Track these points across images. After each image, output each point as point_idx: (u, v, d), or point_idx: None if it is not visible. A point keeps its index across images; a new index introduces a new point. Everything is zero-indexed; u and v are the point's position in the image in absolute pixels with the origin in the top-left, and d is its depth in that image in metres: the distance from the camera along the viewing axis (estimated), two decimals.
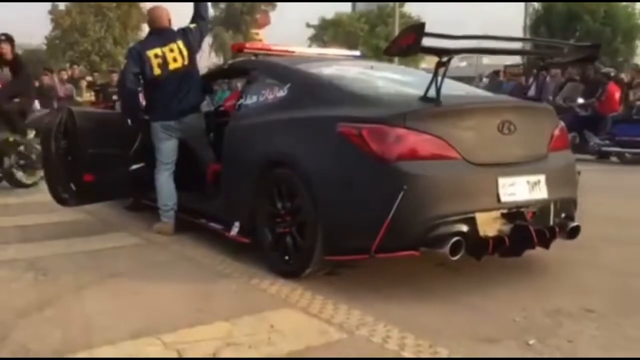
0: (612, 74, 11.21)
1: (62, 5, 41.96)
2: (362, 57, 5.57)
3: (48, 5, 41.53)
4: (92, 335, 2.78)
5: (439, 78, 3.26)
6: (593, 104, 11.16)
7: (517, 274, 3.70)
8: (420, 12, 48.36)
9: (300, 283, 3.51)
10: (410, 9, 45.56)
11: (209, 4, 5.03)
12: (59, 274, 3.73)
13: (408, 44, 3.08)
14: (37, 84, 11.48)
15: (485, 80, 17.19)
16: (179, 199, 4.75)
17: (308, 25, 46.79)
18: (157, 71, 4.57)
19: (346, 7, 48.51)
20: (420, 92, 3.39)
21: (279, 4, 55.08)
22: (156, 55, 4.56)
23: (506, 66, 17.43)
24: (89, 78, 13.50)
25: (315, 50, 5.11)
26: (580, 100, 11.30)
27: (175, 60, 4.57)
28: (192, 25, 4.77)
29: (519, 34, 25.12)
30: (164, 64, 4.56)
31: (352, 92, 3.61)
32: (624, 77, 14.09)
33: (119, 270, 3.82)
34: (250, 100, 4.19)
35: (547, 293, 3.40)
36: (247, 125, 4.08)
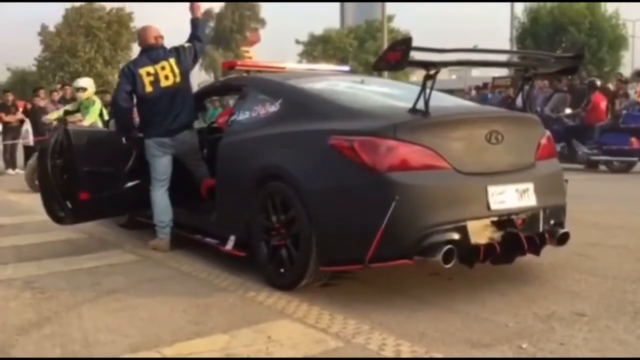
0: (599, 84, 11.37)
1: (51, 27, 42.14)
2: (352, 72, 5.66)
3: (37, 26, 41.65)
4: (92, 351, 2.82)
5: (427, 90, 3.34)
6: (580, 114, 11.31)
7: (509, 281, 3.76)
8: (408, 27, 48.89)
9: (296, 294, 3.56)
10: (398, 24, 46.12)
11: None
12: (57, 292, 3.76)
13: (395, 58, 3.17)
14: (29, 105, 11.52)
15: (473, 92, 17.39)
16: (174, 215, 4.79)
17: (297, 42, 47.23)
18: (148, 88, 4.64)
19: (335, 23, 48.93)
20: (409, 105, 3.48)
21: (268, 22, 55.62)
22: (148, 73, 4.63)
23: (494, 78, 17.65)
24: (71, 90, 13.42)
25: (306, 66, 5.19)
26: (568, 111, 11.46)
27: (167, 78, 4.64)
28: (187, 45, 4.85)
29: (506, 45, 25.46)
30: (156, 81, 4.64)
31: (342, 106, 3.69)
32: (611, 86, 14.31)
33: (116, 287, 3.85)
34: (243, 116, 4.25)
35: (539, 299, 3.46)
36: (240, 140, 4.14)
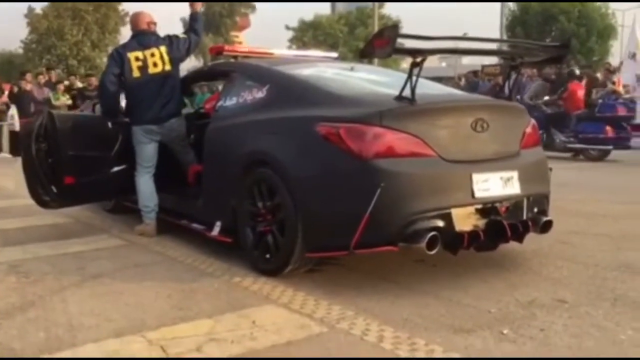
0: (577, 73, 11.44)
1: (38, 9, 41.59)
2: (340, 59, 5.65)
3: (24, 9, 41.07)
4: (76, 335, 2.82)
5: (414, 78, 3.35)
6: (557, 102, 11.37)
7: (492, 268, 3.80)
8: (399, 14, 48.79)
9: (281, 280, 3.58)
10: (389, 10, 45.97)
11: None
12: (42, 276, 3.75)
13: (382, 46, 3.17)
14: (15, 88, 11.40)
15: (463, 80, 17.38)
16: (160, 201, 4.79)
17: (287, 28, 46.92)
18: (136, 74, 4.60)
19: (325, 9, 48.67)
20: (397, 92, 3.48)
21: (258, 6, 55.19)
22: (137, 58, 4.60)
23: (483, 66, 17.67)
24: (67, 82, 13.40)
25: (294, 52, 5.17)
26: (546, 98, 11.53)
27: (155, 65, 4.61)
28: (182, 36, 4.82)
29: (496, 34, 25.46)
30: (144, 67, 4.60)
31: (329, 93, 3.69)
32: (599, 75, 14.39)
33: (102, 271, 3.85)
34: (230, 101, 4.24)
35: (521, 285, 3.50)
36: (227, 126, 4.14)
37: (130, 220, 5.18)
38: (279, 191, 3.58)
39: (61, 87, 12.25)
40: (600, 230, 4.89)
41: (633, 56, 10.61)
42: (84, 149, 4.48)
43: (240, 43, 57.24)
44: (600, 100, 10.75)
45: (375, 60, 14.14)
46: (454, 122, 3.49)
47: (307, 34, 46.33)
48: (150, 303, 3.27)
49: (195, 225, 4.40)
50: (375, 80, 4.24)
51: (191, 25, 4.98)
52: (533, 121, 4.00)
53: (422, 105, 3.40)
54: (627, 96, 11.09)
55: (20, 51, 43.58)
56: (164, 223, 4.81)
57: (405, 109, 3.37)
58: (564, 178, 4.71)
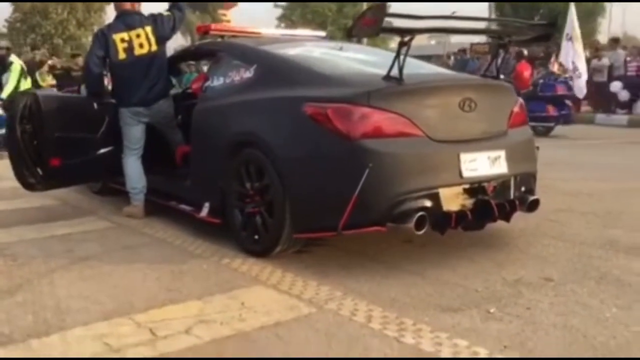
0: (525, 53, 11.59)
1: None
2: (328, 37, 5.60)
3: None
4: (65, 318, 2.81)
5: (402, 57, 3.33)
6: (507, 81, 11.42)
7: (480, 247, 3.83)
8: None
9: (270, 261, 3.59)
10: None
11: None
12: (29, 259, 3.73)
13: (369, 25, 3.14)
14: None
15: (452, 58, 17.38)
16: (148, 182, 4.76)
17: (276, 5, 46.36)
18: (121, 55, 4.54)
19: None
20: (384, 71, 3.46)
21: None
22: (122, 40, 4.53)
23: (472, 44, 17.63)
24: (50, 62, 13.20)
25: (282, 32, 5.12)
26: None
27: (141, 46, 4.55)
28: (166, 14, 4.72)
29: (485, 13, 25.35)
30: (130, 48, 4.54)
31: (317, 72, 3.66)
32: (587, 53, 14.41)
33: (90, 254, 3.83)
34: (217, 82, 4.20)
35: (508, 264, 3.54)
36: (214, 106, 4.10)
37: (118, 202, 5.15)
38: (266, 172, 3.57)
39: (45, 67, 12.07)
40: (586, 208, 4.92)
41: (570, 39, 10.97)
42: (70, 131, 4.43)
43: (228, 21, 56.54)
44: (541, 81, 10.97)
45: (365, 40, 14.06)
46: (442, 101, 3.48)
47: (296, 12, 45.84)
48: (139, 285, 3.27)
49: (183, 207, 4.39)
50: (363, 59, 4.22)
51: (174, 1, 4.89)
52: (520, 100, 4.00)
53: (410, 85, 3.38)
54: (565, 76, 11.37)
55: (5, 30, 42.93)
56: (152, 204, 4.79)
57: (393, 88, 3.36)
58: (548, 157, 4.71)
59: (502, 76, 4.03)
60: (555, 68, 11.92)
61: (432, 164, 3.36)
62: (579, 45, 11.27)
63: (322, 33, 5.41)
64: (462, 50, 17.39)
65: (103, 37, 4.57)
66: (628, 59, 13.72)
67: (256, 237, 3.69)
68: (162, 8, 4.83)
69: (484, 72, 4.13)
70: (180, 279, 3.36)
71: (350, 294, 3.07)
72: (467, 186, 3.45)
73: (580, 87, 11.30)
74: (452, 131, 3.47)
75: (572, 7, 11.44)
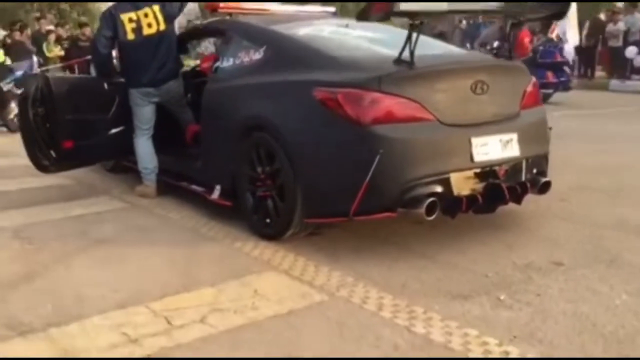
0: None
1: None
2: (337, 13, 5.52)
3: None
4: (83, 306, 2.87)
5: (413, 40, 3.29)
6: (504, 48, 11.25)
7: (490, 228, 3.84)
8: None
9: (282, 245, 3.62)
10: None
11: None
12: (45, 242, 3.80)
13: (381, 9, 3.10)
14: (8, 40, 11.19)
15: (464, 22, 17.07)
16: (159, 162, 4.79)
17: None
18: (130, 36, 4.51)
19: None
20: (395, 52, 3.43)
21: None
22: (130, 20, 4.50)
23: None
24: (51, 27, 13.00)
25: (291, 8, 5.05)
26: (495, 44, 11.45)
27: (149, 25, 4.51)
28: None
29: None
30: (138, 28, 4.51)
31: (327, 55, 3.63)
32: (602, 16, 14.12)
33: (104, 236, 3.89)
34: (227, 63, 4.18)
35: (518, 247, 3.55)
36: (225, 88, 4.09)
37: (130, 180, 5.20)
38: (277, 156, 3.58)
39: (52, 37, 11.99)
40: (596, 185, 4.90)
41: None
42: (81, 112, 4.45)
43: None
44: (541, 48, 10.84)
45: None
46: (454, 85, 3.45)
47: None
48: (153, 270, 3.33)
49: (195, 187, 4.42)
50: (373, 38, 4.15)
51: None
52: (534, 79, 3.96)
53: (421, 69, 3.35)
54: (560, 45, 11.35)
55: None
56: (164, 183, 4.82)
57: (404, 73, 3.33)
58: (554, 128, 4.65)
59: (496, 44, 3.96)
60: (554, 35, 11.82)
61: (443, 149, 3.35)
62: (569, 19, 11.30)
63: (332, 9, 5.32)
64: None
65: (111, 18, 4.54)
66: None
67: (268, 220, 3.71)
68: None
69: (497, 52, 4.06)
70: (193, 263, 3.41)
71: (361, 280, 3.11)
72: (478, 170, 3.44)
73: (567, 52, 11.35)
74: (464, 115, 3.44)
75: None
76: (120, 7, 4.61)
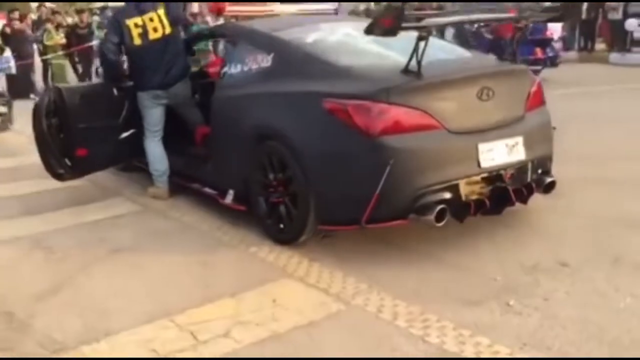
0: None
1: None
2: (337, 12, 5.54)
3: None
4: (110, 320, 3.00)
5: (420, 52, 3.35)
6: (494, 27, 11.24)
7: (496, 225, 3.92)
8: None
9: (296, 249, 3.74)
10: None
11: None
12: (66, 252, 3.91)
13: (389, 24, 3.16)
14: (7, 30, 11.18)
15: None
16: (171, 164, 4.88)
17: None
18: (137, 41, 4.57)
19: None
20: (402, 58, 3.50)
21: None
22: (136, 25, 4.55)
23: None
24: (47, 11, 12.94)
25: (295, 7, 5.07)
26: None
27: (155, 30, 4.57)
28: None
29: None
30: (144, 33, 4.56)
31: (335, 65, 3.69)
32: None
33: (123, 244, 4.01)
34: (235, 69, 4.24)
35: (525, 246, 3.67)
36: (234, 96, 4.16)
37: (142, 179, 5.29)
38: (289, 164, 3.67)
39: (51, 25, 11.94)
40: (599, 174, 4.97)
41: None
42: (93, 120, 4.54)
43: None
44: (530, 25, 10.84)
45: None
46: (460, 93, 3.52)
47: None
48: (173, 279, 3.45)
49: (207, 190, 4.52)
50: (380, 42, 4.17)
51: None
52: (538, 79, 4.03)
53: (428, 79, 3.42)
54: None
55: None
56: (176, 184, 4.92)
57: (412, 83, 3.41)
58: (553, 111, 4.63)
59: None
60: None
61: (452, 157, 3.44)
62: None
63: (334, 5, 5.35)
64: None
65: (117, 24, 4.59)
66: None
67: (281, 226, 3.82)
68: None
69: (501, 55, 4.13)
70: (211, 271, 3.54)
71: (375, 286, 3.23)
72: (485, 175, 3.55)
73: (554, 28, 11.44)
74: (470, 122, 3.53)
75: None
76: (126, 12, 4.66)
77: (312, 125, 3.57)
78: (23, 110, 9.45)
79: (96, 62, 10.37)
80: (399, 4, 3.05)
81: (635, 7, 12.94)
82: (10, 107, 8.69)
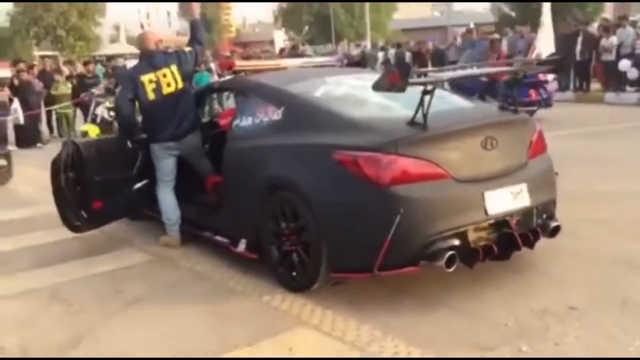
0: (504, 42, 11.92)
1: None
2: (343, 59, 5.75)
3: None
4: None
5: (425, 105, 3.51)
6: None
7: (504, 270, 3.99)
8: None
9: (309, 297, 3.81)
10: None
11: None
12: (83, 304, 3.99)
13: (395, 81, 3.32)
14: (15, 81, 11.44)
15: (459, 40, 17.37)
16: (182, 212, 4.99)
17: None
18: (151, 96, 4.74)
19: None
20: (407, 108, 3.66)
21: None
22: (150, 81, 4.73)
23: (479, 25, 17.63)
24: (65, 69, 13.33)
25: (300, 61, 5.27)
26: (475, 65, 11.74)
27: (169, 85, 4.74)
28: (187, 49, 4.93)
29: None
30: (158, 88, 4.74)
31: (345, 118, 3.84)
32: (594, 31, 14.42)
33: (138, 295, 4.08)
34: (246, 121, 4.39)
35: (533, 291, 3.74)
36: (246, 148, 4.29)
37: (151, 228, 5.40)
38: (301, 215, 3.78)
39: (61, 77, 12.25)
40: (602, 215, 5.07)
41: (542, 25, 11.55)
42: (109, 172, 4.68)
43: (228, 6, 56.72)
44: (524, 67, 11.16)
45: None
46: (465, 143, 3.66)
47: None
48: (190, 331, 3.51)
49: (219, 239, 4.61)
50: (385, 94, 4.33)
51: (193, 34, 5.09)
52: (539, 128, 4.17)
53: (434, 130, 3.57)
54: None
55: (7, 24, 43.02)
56: (187, 232, 5.01)
57: (419, 135, 3.55)
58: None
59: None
60: (533, 56, 12.20)
61: (459, 205, 3.56)
62: (545, 33, 12.10)
63: (339, 57, 5.55)
64: (469, 31, 17.38)
65: (132, 81, 4.77)
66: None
67: (294, 274, 3.91)
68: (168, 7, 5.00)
69: (502, 105, 4.29)
70: (226, 321, 3.61)
71: (389, 333, 3.30)
72: (492, 221, 3.66)
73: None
74: (476, 170, 3.66)
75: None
76: (140, 69, 4.85)
77: (323, 176, 3.69)
78: (31, 159, 9.74)
79: (93, 109, 10.62)
80: (406, 63, 3.20)
81: (627, 49, 13.26)
82: (9, 160, 8.59)
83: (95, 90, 11.07)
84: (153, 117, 4.84)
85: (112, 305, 3.94)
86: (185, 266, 4.61)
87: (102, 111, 10.29)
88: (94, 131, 9.75)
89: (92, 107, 10.69)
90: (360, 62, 17.22)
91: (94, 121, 10.20)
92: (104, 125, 10.00)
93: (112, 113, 9.86)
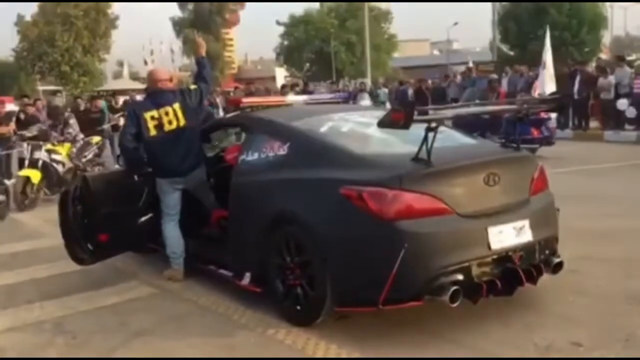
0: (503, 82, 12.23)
1: (28, 17, 41.62)
2: (349, 96, 5.88)
3: (13, 17, 41.05)
4: None
5: (429, 141, 3.59)
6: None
7: (508, 306, 4.01)
8: (389, 5, 48.82)
9: (313, 331, 3.83)
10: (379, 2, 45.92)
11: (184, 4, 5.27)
12: (88, 337, 3.99)
13: (400, 119, 3.41)
14: (21, 115, 11.56)
15: (459, 77, 17.66)
16: (187, 246, 5.02)
17: (278, 23, 46.91)
18: (152, 132, 4.84)
19: (315, 5, 48.55)
20: (410, 144, 3.73)
21: (247, 3, 55.26)
22: (152, 117, 4.83)
23: (478, 64, 17.93)
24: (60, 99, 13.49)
25: (304, 98, 5.38)
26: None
27: (170, 122, 4.84)
28: (193, 87, 5.04)
29: (488, 28, 25.72)
30: (159, 125, 4.84)
31: (350, 154, 3.91)
32: (591, 70, 14.68)
33: (143, 328, 4.09)
34: (252, 156, 4.46)
35: (537, 327, 3.76)
36: (252, 182, 4.35)
37: (153, 260, 5.41)
38: (306, 248, 3.82)
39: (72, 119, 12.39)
40: (606, 253, 5.12)
41: (544, 66, 11.81)
42: (116, 206, 4.74)
43: (230, 39, 57.78)
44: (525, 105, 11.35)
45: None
46: (468, 179, 3.73)
47: (298, 29, 46.38)
48: None
49: (223, 272, 4.64)
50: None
51: (199, 72, 5.22)
52: (540, 165, 4.25)
53: (438, 167, 3.64)
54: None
55: (12, 60, 43.66)
56: (190, 265, 5.03)
57: (423, 171, 3.62)
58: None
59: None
60: (536, 93, 12.42)
61: (463, 240, 3.61)
62: (546, 72, 12.42)
63: (344, 94, 5.67)
64: (469, 69, 17.71)
65: (135, 116, 4.88)
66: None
67: (298, 307, 3.93)
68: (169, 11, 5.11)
69: (504, 142, 4.38)
70: (231, 355, 3.62)
71: None
72: (495, 257, 3.70)
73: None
74: (479, 206, 3.72)
75: (547, 30, 12.04)
76: (143, 106, 4.98)
77: (329, 210, 3.75)
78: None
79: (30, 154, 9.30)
80: (410, 101, 3.29)
81: (625, 88, 13.47)
82: (7, 194, 8.51)
83: (27, 133, 9.84)
84: (155, 153, 4.92)
85: (117, 338, 3.94)
86: (189, 299, 4.63)
87: (43, 155, 9.18)
88: (35, 176, 8.87)
89: (27, 151, 9.38)
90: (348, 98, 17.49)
91: (33, 165, 9.09)
92: (45, 170, 9.04)
93: (54, 156, 9.21)
